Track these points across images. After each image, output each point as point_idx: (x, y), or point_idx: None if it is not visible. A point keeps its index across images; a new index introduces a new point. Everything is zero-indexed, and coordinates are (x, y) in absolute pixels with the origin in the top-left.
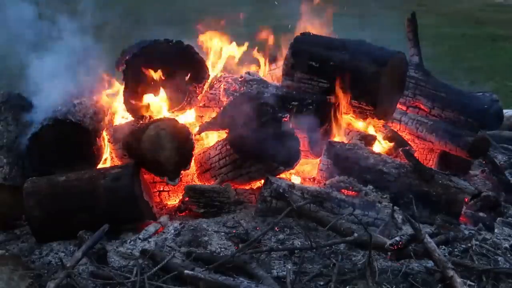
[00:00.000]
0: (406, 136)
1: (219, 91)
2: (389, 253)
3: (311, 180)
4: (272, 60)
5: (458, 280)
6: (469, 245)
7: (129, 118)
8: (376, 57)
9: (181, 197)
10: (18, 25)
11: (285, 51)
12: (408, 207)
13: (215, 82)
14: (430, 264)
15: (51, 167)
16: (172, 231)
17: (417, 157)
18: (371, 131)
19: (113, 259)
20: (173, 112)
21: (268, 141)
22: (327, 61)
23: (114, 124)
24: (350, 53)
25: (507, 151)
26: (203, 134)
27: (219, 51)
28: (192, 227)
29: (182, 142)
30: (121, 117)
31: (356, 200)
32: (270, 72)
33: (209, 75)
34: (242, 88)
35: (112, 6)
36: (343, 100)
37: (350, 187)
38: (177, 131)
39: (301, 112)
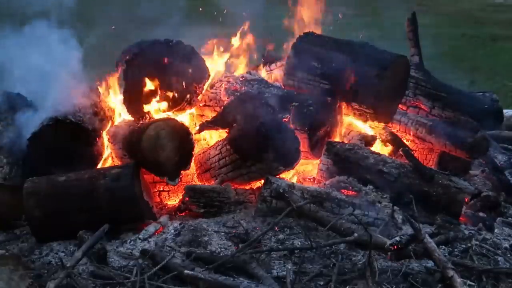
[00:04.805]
0: (406, 136)
1: (220, 90)
2: (389, 253)
3: (311, 180)
4: (271, 60)
5: (458, 280)
6: (469, 245)
7: (129, 118)
8: (378, 60)
9: (181, 197)
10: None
11: (287, 51)
12: (408, 207)
13: (216, 82)
14: (430, 264)
15: (51, 167)
16: (172, 231)
17: (417, 157)
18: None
19: (113, 259)
20: (173, 112)
21: (268, 141)
22: (329, 62)
23: (114, 124)
24: (352, 54)
25: (507, 151)
26: (203, 133)
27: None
28: (192, 227)
29: (182, 142)
30: (121, 117)
31: (356, 200)
32: (269, 72)
33: (209, 75)
34: (243, 88)
35: (112, 5)
36: (344, 102)
37: (350, 187)
38: (177, 131)
39: (301, 112)
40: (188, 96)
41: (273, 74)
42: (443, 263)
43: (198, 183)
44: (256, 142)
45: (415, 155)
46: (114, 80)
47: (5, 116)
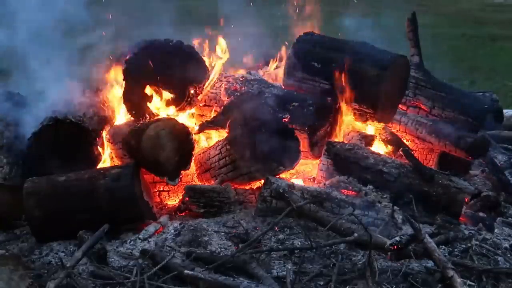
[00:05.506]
0: (406, 136)
1: (220, 90)
2: (389, 253)
3: (311, 180)
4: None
5: (458, 280)
6: (469, 245)
7: (129, 118)
8: (378, 60)
9: (181, 197)
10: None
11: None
12: (408, 207)
13: (216, 82)
14: (430, 264)
15: (51, 167)
16: (172, 231)
17: (417, 157)
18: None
19: (113, 259)
20: (173, 112)
21: (268, 141)
22: (329, 62)
23: (114, 124)
24: (352, 55)
25: (507, 151)
26: (203, 133)
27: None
28: (192, 227)
29: (182, 142)
30: (121, 117)
31: (356, 200)
32: (270, 72)
33: (209, 75)
34: (243, 88)
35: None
36: (344, 102)
37: (350, 187)
38: (177, 131)
39: (301, 112)
40: (188, 96)
41: (273, 74)
42: (443, 263)
43: (198, 183)
44: (256, 142)
45: (415, 155)
46: (114, 80)
47: (5, 116)
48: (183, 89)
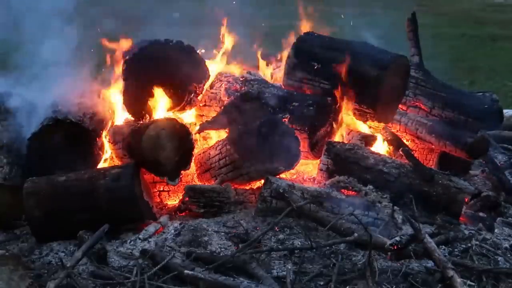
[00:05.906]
0: (406, 136)
1: (220, 90)
2: (389, 253)
3: (311, 180)
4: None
5: (458, 280)
6: (469, 245)
7: (129, 118)
8: (378, 60)
9: (181, 197)
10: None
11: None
12: (408, 207)
13: (216, 82)
14: (430, 264)
15: (51, 167)
16: (172, 231)
17: (417, 157)
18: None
19: (113, 259)
20: (173, 112)
21: (268, 141)
22: (330, 62)
23: (114, 124)
24: (352, 55)
25: (507, 151)
26: (203, 133)
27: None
28: (192, 227)
29: (182, 142)
30: (121, 117)
31: (356, 200)
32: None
33: (209, 75)
34: (243, 88)
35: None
36: (344, 102)
37: (350, 187)
38: (177, 131)
39: (301, 112)
40: (188, 96)
41: (273, 74)
42: (443, 263)
43: (198, 183)
44: (256, 142)
45: (415, 155)
46: (114, 80)
47: (5, 116)
48: (183, 89)
